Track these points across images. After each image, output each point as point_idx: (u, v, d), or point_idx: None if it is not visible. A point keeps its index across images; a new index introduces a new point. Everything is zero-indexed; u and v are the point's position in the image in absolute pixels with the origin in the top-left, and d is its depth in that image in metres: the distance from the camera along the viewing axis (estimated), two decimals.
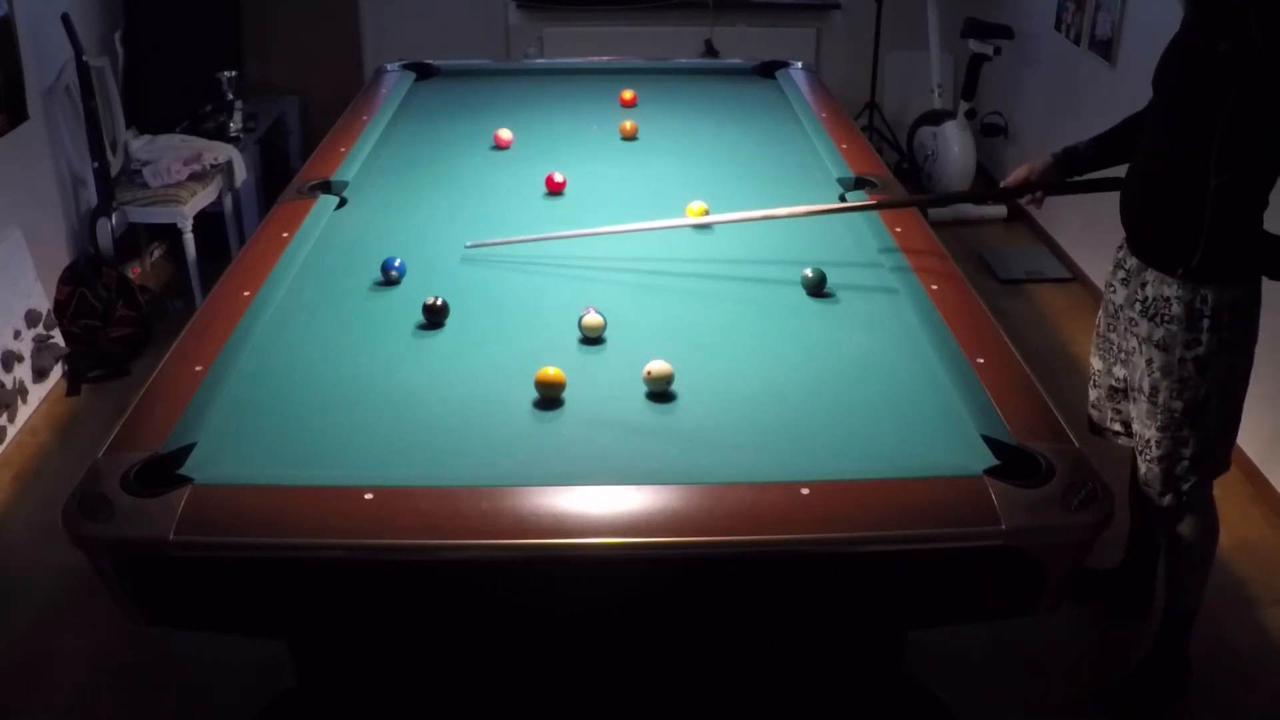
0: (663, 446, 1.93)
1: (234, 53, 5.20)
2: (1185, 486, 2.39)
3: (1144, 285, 2.33)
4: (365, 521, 1.69)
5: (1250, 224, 2.22)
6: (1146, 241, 2.33)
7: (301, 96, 5.65)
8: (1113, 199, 2.44)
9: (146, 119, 4.55)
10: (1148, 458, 2.41)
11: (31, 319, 3.80)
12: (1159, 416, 2.34)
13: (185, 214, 4.24)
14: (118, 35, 4.48)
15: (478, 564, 1.71)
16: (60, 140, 4.17)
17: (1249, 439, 3.43)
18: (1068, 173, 2.66)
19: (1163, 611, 2.60)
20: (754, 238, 2.76)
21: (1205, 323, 2.25)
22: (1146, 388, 2.35)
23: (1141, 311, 2.34)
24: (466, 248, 2.41)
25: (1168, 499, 2.41)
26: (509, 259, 2.63)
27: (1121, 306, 2.43)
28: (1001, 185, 2.78)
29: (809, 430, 1.96)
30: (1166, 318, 2.29)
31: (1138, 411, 2.41)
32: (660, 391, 2.05)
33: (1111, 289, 2.48)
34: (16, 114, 3.84)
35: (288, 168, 5.16)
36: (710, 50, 5.66)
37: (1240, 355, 2.31)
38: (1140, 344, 2.35)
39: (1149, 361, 2.33)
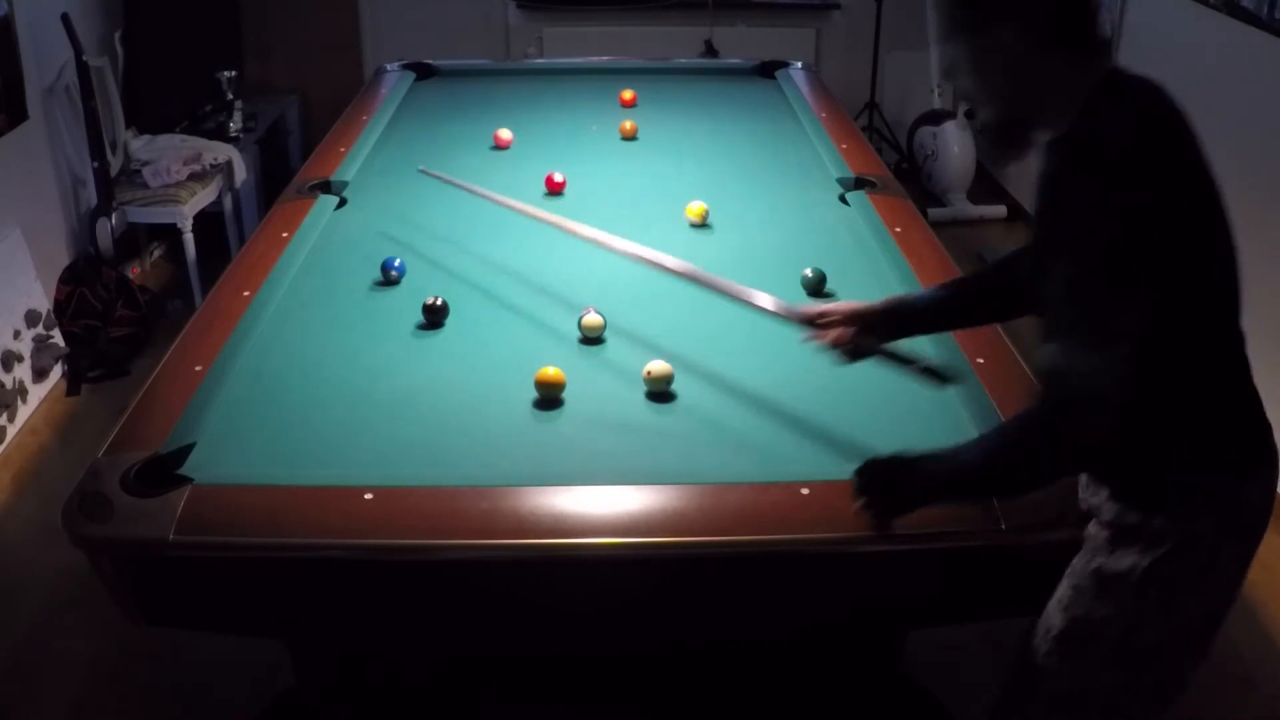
0: (662, 446, 1.93)
1: (234, 53, 5.20)
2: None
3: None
4: (365, 521, 1.69)
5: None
6: None
7: (301, 96, 5.65)
8: None
9: (146, 119, 4.55)
10: (1040, 639, 1.75)
11: (31, 319, 3.80)
12: (1053, 615, 1.73)
13: (185, 214, 4.23)
14: (118, 35, 4.48)
15: (477, 564, 1.71)
16: (60, 140, 4.17)
17: None
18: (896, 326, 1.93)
19: None
20: (754, 238, 2.76)
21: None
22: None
23: (1086, 503, 1.76)
24: (419, 170, 2.57)
25: None
26: (508, 258, 2.63)
27: None
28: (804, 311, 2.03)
29: (809, 430, 1.96)
30: (1099, 520, 1.69)
31: None
32: (660, 391, 2.05)
33: None
34: (16, 114, 3.84)
35: (288, 168, 5.16)
36: (710, 50, 5.65)
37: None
38: None
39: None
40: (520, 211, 2.64)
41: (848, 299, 2.41)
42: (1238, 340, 1.60)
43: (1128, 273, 1.42)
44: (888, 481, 1.61)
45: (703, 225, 2.80)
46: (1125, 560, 1.61)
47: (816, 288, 2.44)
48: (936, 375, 1.90)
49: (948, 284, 1.99)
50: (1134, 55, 4.24)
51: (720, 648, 2.05)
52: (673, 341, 2.21)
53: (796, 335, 2.27)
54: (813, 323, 1.97)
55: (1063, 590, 1.69)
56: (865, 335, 1.90)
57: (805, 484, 1.74)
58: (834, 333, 1.92)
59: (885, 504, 1.61)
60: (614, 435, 1.95)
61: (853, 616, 1.88)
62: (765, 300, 2.06)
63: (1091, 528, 1.68)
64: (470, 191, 2.74)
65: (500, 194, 2.72)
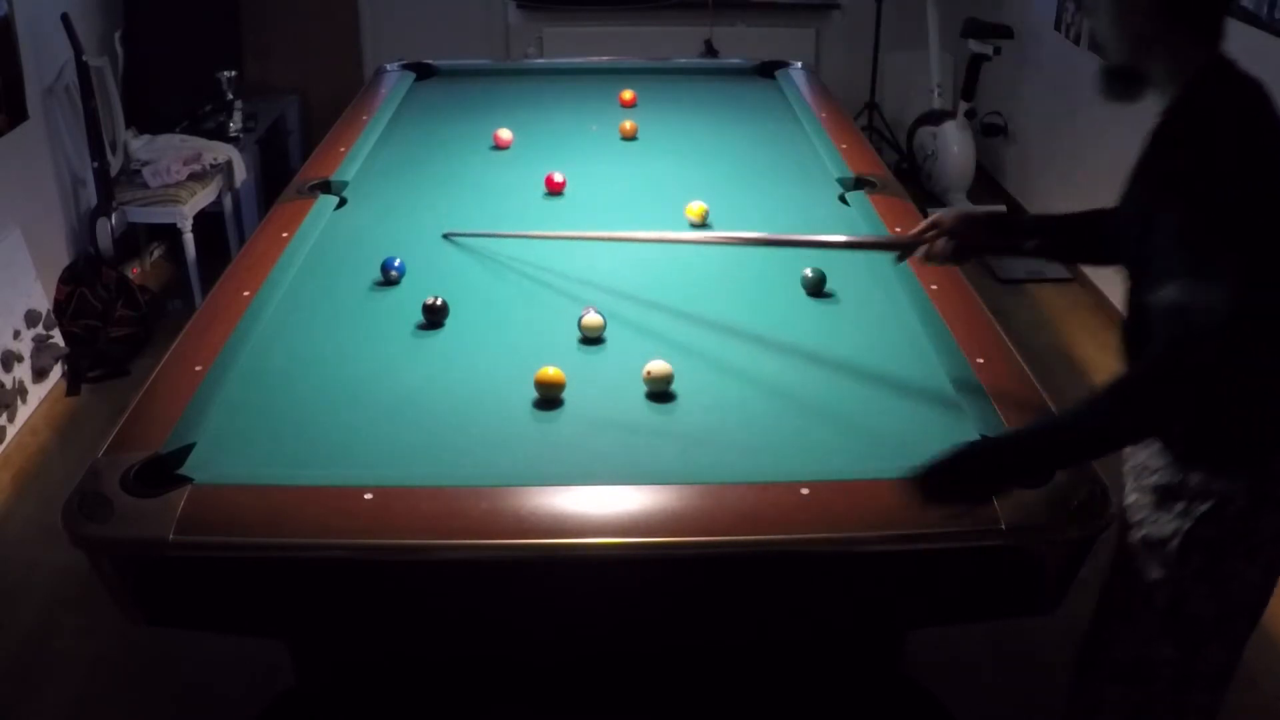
0: (662, 446, 1.93)
1: (234, 53, 5.20)
2: (1105, 698, 1.88)
3: (1145, 447, 1.86)
4: (365, 521, 1.69)
5: None
6: None
7: (301, 96, 5.65)
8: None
9: (146, 119, 4.55)
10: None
11: (31, 319, 3.80)
12: (1101, 592, 1.92)
13: (185, 214, 4.24)
14: (118, 35, 4.48)
15: (477, 564, 1.71)
16: (60, 140, 4.17)
17: None
18: (997, 235, 2.12)
19: None
20: None
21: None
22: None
23: (1131, 474, 1.89)
24: (443, 237, 2.34)
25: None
26: (508, 258, 2.63)
27: None
28: (909, 234, 2.21)
29: (809, 430, 1.96)
30: (1140, 486, 1.82)
31: None
32: (660, 391, 2.05)
33: None
34: (16, 114, 3.84)
35: (287, 168, 5.16)
36: (710, 50, 5.65)
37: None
38: None
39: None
40: (569, 238, 2.61)
41: (847, 299, 2.43)
42: None
43: (1230, 222, 1.51)
44: (969, 476, 1.65)
45: (703, 225, 2.80)
46: (1168, 526, 1.73)
47: (816, 288, 2.44)
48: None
49: (1046, 215, 2.18)
50: None
51: (720, 648, 2.05)
52: (673, 341, 2.21)
53: (796, 335, 2.27)
54: (917, 244, 2.13)
55: (1115, 562, 1.84)
56: (963, 248, 2.08)
57: (805, 484, 1.74)
58: (938, 244, 2.08)
59: (969, 495, 1.66)
60: (614, 435, 1.95)
61: (853, 616, 1.88)
62: (865, 239, 2.27)
63: (1134, 497, 1.79)
64: (506, 236, 2.55)
65: (532, 230, 2.71)
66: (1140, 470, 1.79)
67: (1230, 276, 1.49)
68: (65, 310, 4.03)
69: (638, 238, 2.61)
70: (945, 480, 1.64)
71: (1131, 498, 1.80)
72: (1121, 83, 1.72)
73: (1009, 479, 1.66)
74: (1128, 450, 1.82)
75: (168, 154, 4.37)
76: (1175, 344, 1.52)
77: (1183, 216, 1.53)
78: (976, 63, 5.24)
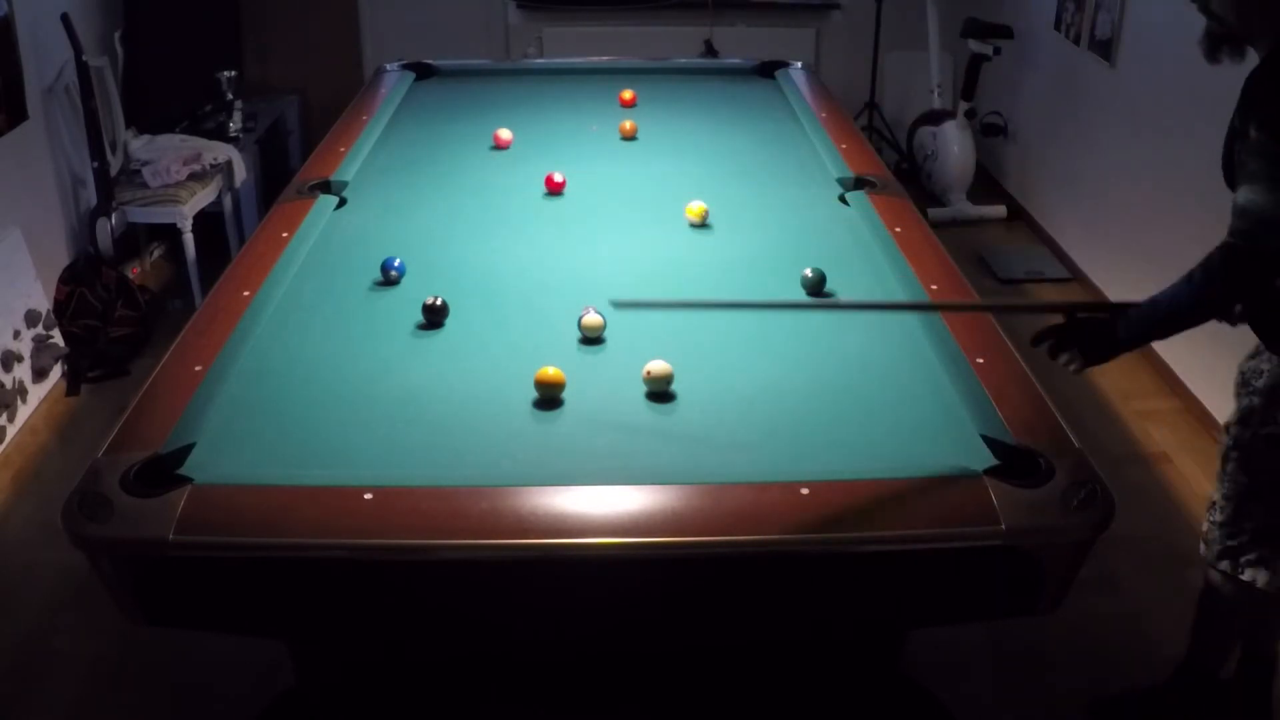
0: (662, 446, 1.93)
1: (234, 53, 5.20)
2: (1244, 559, 2.21)
3: (1252, 358, 2.19)
4: (365, 521, 1.69)
5: None
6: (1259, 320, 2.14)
7: (301, 96, 5.65)
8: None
9: (146, 119, 4.55)
10: (1212, 518, 2.28)
11: (31, 319, 3.80)
12: (1225, 485, 2.23)
13: (185, 214, 4.24)
14: (118, 35, 4.48)
15: (477, 564, 1.71)
16: (60, 140, 4.17)
17: None
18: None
19: (1184, 657, 2.50)
20: (754, 238, 2.76)
21: None
22: (1220, 454, 2.25)
23: (1240, 381, 2.20)
24: (613, 304, 2.19)
25: (1223, 565, 2.24)
26: (509, 259, 2.63)
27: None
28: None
29: (809, 430, 1.96)
30: (1251, 389, 2.14)
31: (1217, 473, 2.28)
32: (660, 391, 2.05)
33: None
34: (16, 114, 3.84)
35: (287, 168, 5.16)
36: (710, 50, 5.66)
37: None
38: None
39: (1227, 429, 2.22)
40: (742, 306, 2.41)
41: (848, 299, 2.43)
42: None
43: None
44: (1090, 337, 2.04)
45: (703, 225, 2.81)
46: None
47: (816, 288, 2.44)
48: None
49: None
50: (1134, 55, 4.24)
51: (720, 647, 2.05)
52: (673, 341, 2.21)
53: (796, 335, 2.27)
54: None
55: (1239, 459, 2.17)
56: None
57: (805, 484, 1.74)
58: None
59: (1092, 354, 2.05)
60: (614, 435, 1.95)
61: (853, 616, 1.88)
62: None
63: (1246, 401, 2.14)
64: (676, 306, 2.35)
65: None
66: (1251, 375, 2.14)
67: None
68: (65, 310, 4.03)
69: (751, 304, 2.44)
70: (1083, 343, 2.04)
71: (1245, 403, 2.15)
72: (1228, 45, 1.99)
73: (1133, 345, 2.04)
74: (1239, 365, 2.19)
75: (168, 154, 4.36)
76: (1240, 235, 1.85)
77: (1259, 134, 1.82)
78: (976, 63, 5.24)
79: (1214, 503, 2.28)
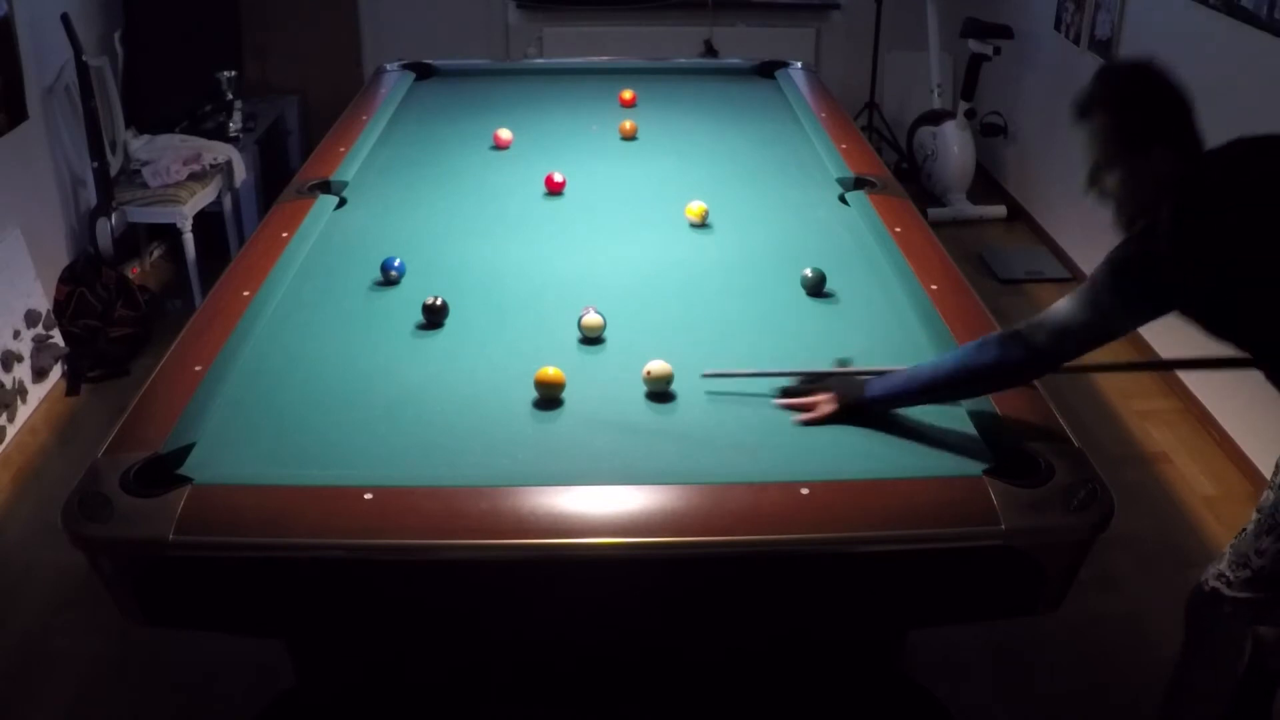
0: (662, 446, 1.93)
1: (234, 53, 5.20)
2: (1234, 595, 2.13)
3: None
4: (365, 521, 1.69)
5: None
6: None
7: (301, 96, 5.65)
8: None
9: (146, 119, 4.55)
10: (1230, 543, 2.18)
11: (31, 319, 3.80)
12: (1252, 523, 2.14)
13: (185, 214, 4.23)
14: (117, 35, 4.48)
15: (477, 564, 1.71)
16: (60, 140, 4.17)
17: (1251, 444, 3.43)
18: None
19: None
20: (754, 238, 2.76)
21: None
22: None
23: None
24: (703, 376, 2.10)
25: (1210, 585, 2.16)
26: (509, 259, 2.63)
27: None
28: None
29: (809, 430, 1.96)
30: None
31: None
32: (660, 391, 2.05)
33: None
34: (16, 114, 3.84)
35: (287, 168, 5.16)
36: (710, 50, 5.66)
37: None
38: None
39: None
40: (810, 375, 2.21)
41: (847, 299, 2.43)
42: None
43: (1125, 289, 1.85)
44: (840, 400, 1.99)
45: (703, 225, 2.81)
46: None
47: (816, 287, 2.44)
48: None
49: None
50: (1134, 55, 4.24)
51: (720, 647, 2.05)
52: (673, 342, 2.21)
53: (796, 335, 2.27)
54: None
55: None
56: None
57: (805, 484, 1.74)
58: None
59: (832, 416, 1.98)
60: (614, 435, 1.95)
61: (853, 616, 1.88)
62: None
63: None
64: (766, 376, 2.16)
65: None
66: None
67: (1099, 312, 1.84)
68: (65, 310, 4.02)
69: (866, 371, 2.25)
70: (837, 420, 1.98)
71: None
72: (1132, 222, 1.96)
73: (881, 404, 2.00)
74: None
75: (167, 154, 4.36)
76: (1035, 328, 1.89)
77: (1103, 264, 1.87)
78: (976, 63, 5.24)
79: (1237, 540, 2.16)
